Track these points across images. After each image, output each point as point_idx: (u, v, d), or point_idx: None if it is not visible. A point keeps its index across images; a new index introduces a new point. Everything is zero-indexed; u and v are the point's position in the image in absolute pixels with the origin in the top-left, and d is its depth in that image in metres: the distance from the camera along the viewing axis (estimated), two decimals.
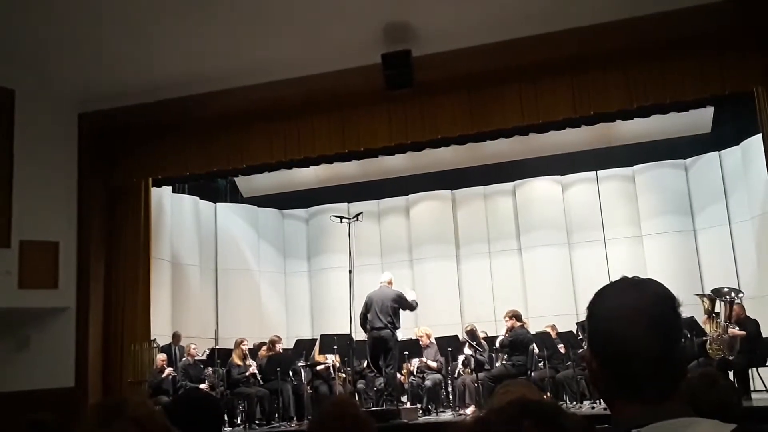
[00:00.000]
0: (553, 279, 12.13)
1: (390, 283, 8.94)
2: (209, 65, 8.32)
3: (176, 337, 10.45)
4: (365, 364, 9.40)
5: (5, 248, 8.21)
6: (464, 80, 8.41)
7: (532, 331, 9.38)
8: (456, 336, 9.54)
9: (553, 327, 9.46)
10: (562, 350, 9.10)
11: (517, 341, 8.97)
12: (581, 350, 8.59)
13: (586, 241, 12.30)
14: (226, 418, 8.98)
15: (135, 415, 1.31)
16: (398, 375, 9.52)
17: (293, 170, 10.46)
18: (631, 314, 1.25)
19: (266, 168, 9.74)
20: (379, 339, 8.57)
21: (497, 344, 9.23)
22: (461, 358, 9.63)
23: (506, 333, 9.18)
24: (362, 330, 8.81)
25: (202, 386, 9.30)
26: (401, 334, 9.78)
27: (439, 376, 9.65)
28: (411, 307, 8.85)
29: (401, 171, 11.97)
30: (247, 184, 12.54)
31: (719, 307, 8.76)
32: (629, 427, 1.22)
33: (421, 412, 9.02)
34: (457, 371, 9.74)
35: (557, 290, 11.99)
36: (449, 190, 13.23)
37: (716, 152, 11.66)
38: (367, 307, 8.66)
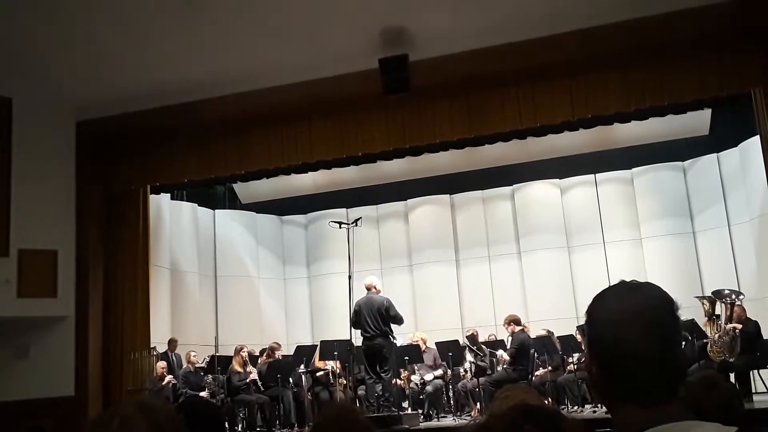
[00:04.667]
0: (552, 282, 12.13)
1: (375, 287, 8.82)
2: (207, 72, 8.33)
3: (172, 343, 10.41)
4: (365, 370, 9.37)
5: (4, 257, 8.20)
6: (462, 84, 8.42)
7: (532, 335, 9.37)
8: (457, 341, 9.52)
9: (549, 332, 9.41)
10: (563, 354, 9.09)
11: (521, 348, 8.95)
12: (581, 354, 8.59)
13: (586, 244, 12.30)
14: (227, 425, 8.96)
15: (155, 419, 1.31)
16: (398, 381, 9.50)
17: (291, 176, 10.46)
18: (629, 318, 1.24)
19: (264, 174, 9.75)
20: (372, 347, 8.52)
21: (506, 356, 9.11)
22: (466, 364, 9.60)
23: (508, 338, 9.17)
24: (359, 332, 8.74)
25: (202, 394, 9.28)
26: (401, 340, 9.76)
27: (440, 381, 9.64)
28: (398, 319, 8.64)
29: (399, 176, 11.97)
30: (245, 190, 12.54)
31: (719, 309, 8.76)
32: (630, 431, 1.22)
33: (422, 417, 9.00)
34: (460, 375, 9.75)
35: (557, 294, 11.98)
36: (448, 195, 13.23)
37: (714, 154, 11.67)
38: (357, 315, 8.60)
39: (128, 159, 9.45)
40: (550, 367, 9.17)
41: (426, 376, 9.71)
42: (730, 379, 7.29)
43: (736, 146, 11.11)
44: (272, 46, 7.96)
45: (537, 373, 9.17)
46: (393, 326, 8.73)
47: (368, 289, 8.78)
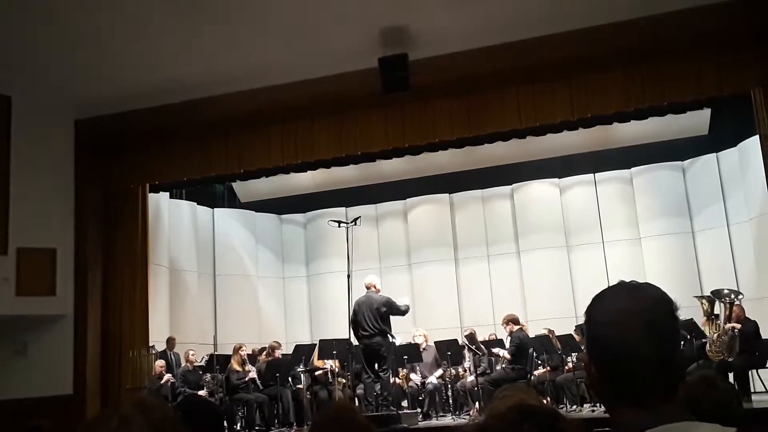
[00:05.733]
0: (551, 282, 12.13)
1: (374, 287, 8.83)
2: (206, 70, 8.31)
3: (171, 342, 10.41)
4: (363, 369, 9.36)
5: (2, 255, 8.19)
6: (461, 83, 8.41)
7: (531, 335, 9.37)
8: (455, 340, 9.52)
9: (551, 331, 9.44)
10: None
11: (521, 346, 8.95)
12: (580, 353, 8.60)
13: (585, 243, 12.31)
14: (225, 424, 8.96)
15: (152, 418, 1.31)
16: (396, 379, 9.51)
17: (291, 175, 10.45)
18: (628, 319, 1.24)
19: (263, 173, 9.74)
20: (370, 346, 8.52)
21: (507, 355, 9.11)
22: (467, 364, 9.60)
23: (508, 336, 9.17)
24: (355, 338, 8.72)
25: (201, 392, 9.28)
26: (400, 339, 9.76)
27: (439, 380, 9.65)
28: (401, 312, 8.71)
29: (399, 175, 11.97)
30: (244, 189, 12.54)
31: (718, 308, 8.76)
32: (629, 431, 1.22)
33: (421, 416, 9.00)
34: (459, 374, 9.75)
35: (556, 293, 11.99)
36: (447, 194, 13.23)
37: (714, 154, 11.67)
38: (356, 314, 8.60)
39: (127, 157, 9.44)
40: (549, 367, 9.18)
41: (429, 378, 9.68)
42: (728, 379, 7.29)
43: (736, 146, 11.12)
44: (271, 44, 7.95)
45: (536, 372, 9.18)
46: (393, 324, 8.74)
47: (368, 288, 8.79)
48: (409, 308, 8.89)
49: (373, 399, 8.50)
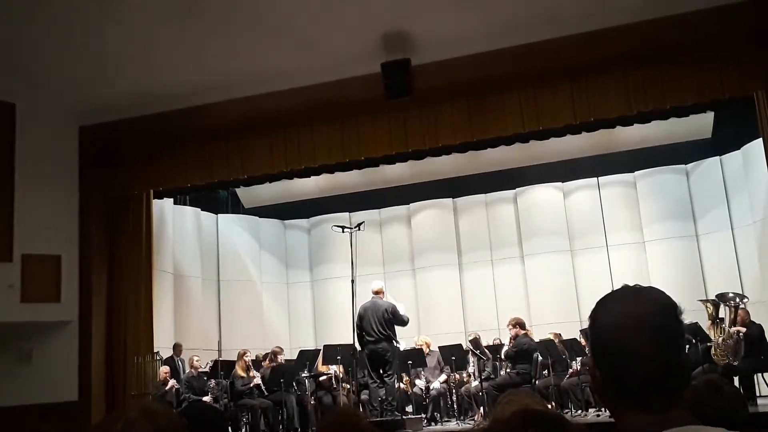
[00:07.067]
0: (555, 286, 12.10)
1: (381, 292, 8.83)
2: (209, 76, 8.34)
3: (177, 348, 10.42)
4: (368, 375, 9.34)
5: (7, 262, 8.21)
6: (464, 88, 8.42)
7: (536, 339, 9.35)
8: (460, 345, 9.51)
9: (557, 335, 9.42)
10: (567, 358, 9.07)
11: (522, 351, 8.93)
12: (584, 358, 8.58)
13: (588, 247, 12.28)
14: (230, 430, 8.95)
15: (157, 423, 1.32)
16: (401, 385, 9.49)
17: (294, 180, 10.46)
18: (632, 323, 1.24)
19: (267, 178, 9.76)
20: (376, 352, 8.51)
21: (502, 355, 9.16)
22: (471, 369, 9.59)
23: (510, 341, 9.15)
24: (359, 343, 8.71)
25: (205, 398, 9.27)
26: (404, 344, 9.74)
27: (444, 385, 9.63)
28: (402, 322, 8.68)
29: (402, 180, 11.97)
30: (248, 194, 12.55)
31: (723, 312, 8.73)
32: None
33: (425, 421, 8.99)
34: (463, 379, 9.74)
35: (560, 297, 11.96)
36: (450, 198, 13.22)
37: (717, 157, 11.64)
38: (361, 320, 8.59)
39: (131, 164, 9.47)
40: (553, 371, 9.15)
41: (433, 384, 9.67)
42: (734, 383, 7.26)
43: (739, 149, 11.09)
44: (274, 50, 7.98)
45: (544, 372, 9.15)
46: (397, 329, 8.73)
47: (375, 293, 8.78)
48: (408, 320, 8.88)
49: (377, 404, 8.48)
